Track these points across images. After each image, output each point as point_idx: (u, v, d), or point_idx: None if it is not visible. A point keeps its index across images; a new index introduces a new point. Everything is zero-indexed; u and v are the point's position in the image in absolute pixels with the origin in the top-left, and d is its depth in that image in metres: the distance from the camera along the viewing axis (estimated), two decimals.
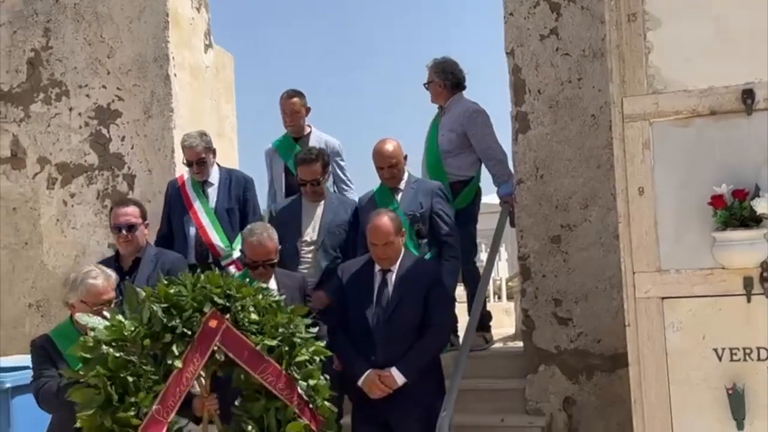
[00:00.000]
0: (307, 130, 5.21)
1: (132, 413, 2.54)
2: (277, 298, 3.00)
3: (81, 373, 2.65)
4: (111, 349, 2.59)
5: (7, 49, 5.83)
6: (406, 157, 4.41)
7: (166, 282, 2.86)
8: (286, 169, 5.25)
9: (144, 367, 2.61)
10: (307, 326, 3.05)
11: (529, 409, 4.72)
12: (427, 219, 4.27)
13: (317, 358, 2.98)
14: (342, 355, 3.64)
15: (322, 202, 4.41)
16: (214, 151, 4.73)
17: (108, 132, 5.57)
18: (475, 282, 4.95)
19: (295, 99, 5.21)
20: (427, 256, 4.22)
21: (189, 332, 2.68)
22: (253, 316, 2.81)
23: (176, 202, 4.73)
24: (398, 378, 3.44)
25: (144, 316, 2.68)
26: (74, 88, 5.64)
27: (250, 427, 2.79)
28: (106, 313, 2.98)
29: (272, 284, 3.73)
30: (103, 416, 2.53)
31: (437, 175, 5.04)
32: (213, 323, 2.69)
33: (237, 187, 4.79)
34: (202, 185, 4.73)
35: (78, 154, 5.64)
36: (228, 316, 2.78)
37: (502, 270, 13.77)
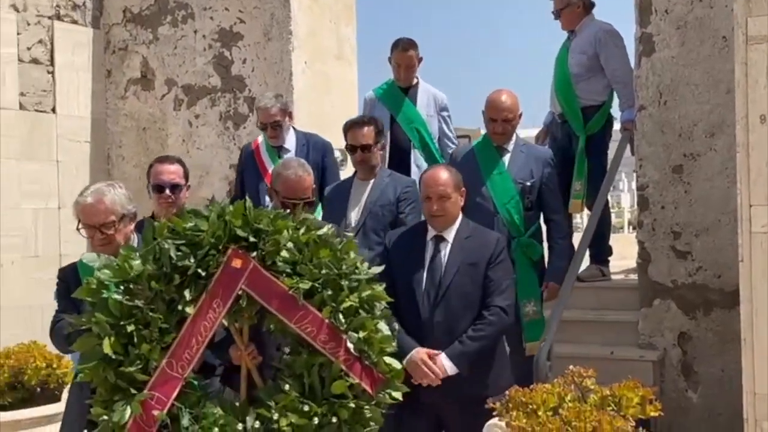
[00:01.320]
0: (415, 81, 4.95)
1: (137, 367, 2.18)
2: (323, 232, 2.41)
3: (83, 320, 2.32)
4: (113, 293, 2.22)
5: None
6: (521, 115, 4.01)
7: (189, 214, 2.43)
8: (392, 121, 4.98)
9: (151, 314, 2.22)
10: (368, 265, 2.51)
11: (641, 343, 4.69)
12: (536, 190, 3.89)
13: (375, 304, 2.40)
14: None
15: (372, 180, 3.92)
16: (290, 114, 4.50)
17: (230, 54, 5.81)
18: (604, 218, 4.89)
19: (411, 52, 4.94)
20: (532, 230, 3.89)
21: (203, 274, 2.25)
22: (285, 254, 2.29)
23: (250, 168, 4.53)
24: (448, 366, 2.92)
25: (154, 253, 2.30)
26: (199, 11, 5.88)
27: (287, 386, 2.28)
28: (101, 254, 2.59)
29: None
30: (107, 370, 2.19)
31: (568, 101, 4.94)
32: (237, 263, 2.23)
33: (315, 152, 4.49)
34: (278, 150, 4.49)
35: (202, 76, 5.91)
36: (255, 254, 2.29)
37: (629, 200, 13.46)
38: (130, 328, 2.16)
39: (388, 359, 2.32)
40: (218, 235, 2.25)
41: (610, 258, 5.45)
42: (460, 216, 3.16)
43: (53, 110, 5.93)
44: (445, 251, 3.07)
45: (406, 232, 3.30)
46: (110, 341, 2.15)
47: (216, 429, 2.19)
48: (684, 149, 4.48)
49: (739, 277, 3.00)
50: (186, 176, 3.65)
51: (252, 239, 2.26)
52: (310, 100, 5.88)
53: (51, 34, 5.93)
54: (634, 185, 13.41)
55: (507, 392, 2.67)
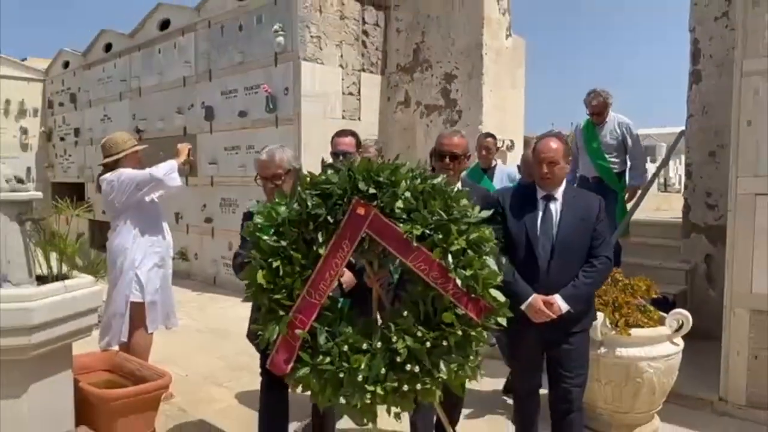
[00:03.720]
0: (493, 163, 4.57)
1: (283, 294, 2.02)
2: (437, 182, 2.09)
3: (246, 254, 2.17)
4: (263, 234, 2.05)
5: (403, 41, 7.27)
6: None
7: (327, 168, 2.21)
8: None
9: (293, 252, 2.02)
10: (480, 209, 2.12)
11: (681, 259, 5.27)
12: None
13: (484, 246, 2.05)
14: (504, 275, 2.35)
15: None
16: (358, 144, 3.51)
17: (450, 86, 6.80)
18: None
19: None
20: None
21: (332, 220, 2.01)
22: (400, 204, 1.99)
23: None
24: (563, 306, 2.59)
25: (296, 202, 2.08)
26: (434, 63, 6.94)
27: (405, 312, 2.04)
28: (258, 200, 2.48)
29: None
30: (261, 295, 2.06)
31: (604, 167, 5.01)
32: (361, 210, 1.98)
33: None
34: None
35: (435, 99, 6.92)
36: (375, 203, 2.01)
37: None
38: (276, 263, 2.00)
39: (493, 291, 2.01)
40: (345, 187, 2.02)
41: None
42: (565, 179, 2.76)
43: (359, 119, 7.10)
44: (556, 208, 2.68)
45: (518, 191, 2.87)
46: (263, 273, 2.01)
47: (346, 346, 2.00)
48: (716, 141, 4.94)
49: (727, 216, 3.63)
50: (358, 145, 3.42)
51: (372, 191, 2.00)
52: (492, 114, 6.49)
53: (359, 79, 7.16)
54: (676, 167, 12.62)
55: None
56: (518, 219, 2.70)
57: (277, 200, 2.13)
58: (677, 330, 3.42)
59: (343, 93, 7.05)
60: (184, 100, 8.37)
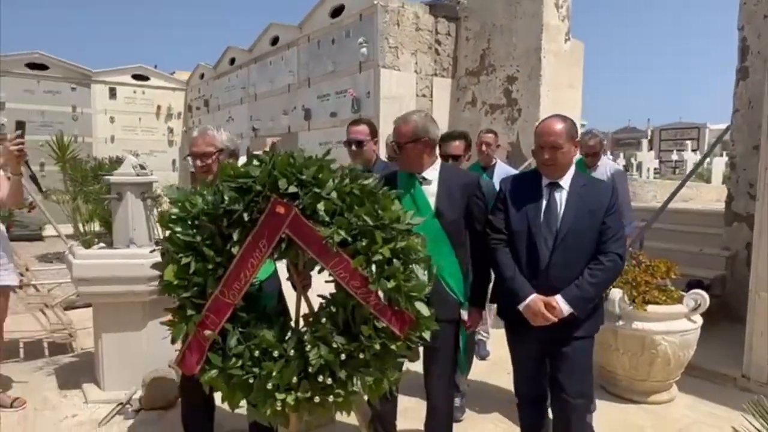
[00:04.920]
0: (493, 161, 3.89)
1: (195, 292, 1.64)
2: (366, 183, 1.68)
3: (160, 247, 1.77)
4: (176, 226, 1.66)
5: (471, 48, 7.17)
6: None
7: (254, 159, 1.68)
8: None
9: (205, 249, 1.62)
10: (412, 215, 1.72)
11: (722, 246, 4.97)
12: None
13: (413, 255, 1.65)
14: (503, 271, 2.15)
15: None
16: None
17: (511, 87, 6.61)
18: None
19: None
20: None
21: (247, 218, 1.61)
22: (321, 206, 1.59)
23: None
24: (564, 309, 2.05)
25: (213, 194, 1.66)
26: (498, 67, 6.85)
27: (324, 319, 1.67)
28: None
29: (432, 174, 2.24)
30: (171, 293, 1.68)
31: None
32: (280, 209, 1.60)
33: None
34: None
35: (497, 98, 6.85)
36: (297, 202, 1.60)
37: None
38: (186, 260, 1.62)
39: (418, 304, 1.63)
40: (264, 183, 1.61)
41: None
42: (574, 165, 2.18)
43: None
44: (561, 197, 2.11)
45: (521, 178, 2.31)
46: (173, 269, 1.64)
47: (257, 351, 1.63)
48: (760, 135, 4.33)
49: (756, 203, 3.50)
50: (372, 134, 2.99)
51: (294, 189, 1.59)
52: (549, 112, 5.85)
53: (431, 82, 7.20)
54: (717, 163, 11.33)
55: None
56: (519, 209, 2.16)
57: (199, 188, 1.72)
58: (695, 309, 3.30)
59: (417, 95, 7.12)
60: (288, 103, 8.85)
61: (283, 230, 1.61)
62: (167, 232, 1.69)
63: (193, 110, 12.75)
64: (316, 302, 1.81)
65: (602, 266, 2.06)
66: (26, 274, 4.61)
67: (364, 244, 1.59)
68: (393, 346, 1.64)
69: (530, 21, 6.42)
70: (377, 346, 1.61)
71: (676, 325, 3.26)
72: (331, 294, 1.73)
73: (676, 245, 5.04)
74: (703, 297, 3.27)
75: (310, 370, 1.60)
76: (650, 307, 3.24)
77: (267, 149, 4.14)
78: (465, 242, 2.23)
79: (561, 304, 2.05)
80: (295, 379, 1.61)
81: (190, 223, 1.65)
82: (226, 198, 1.62)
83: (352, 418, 2.05)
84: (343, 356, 1.61)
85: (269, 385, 1.60)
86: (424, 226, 1.81)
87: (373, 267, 1.59)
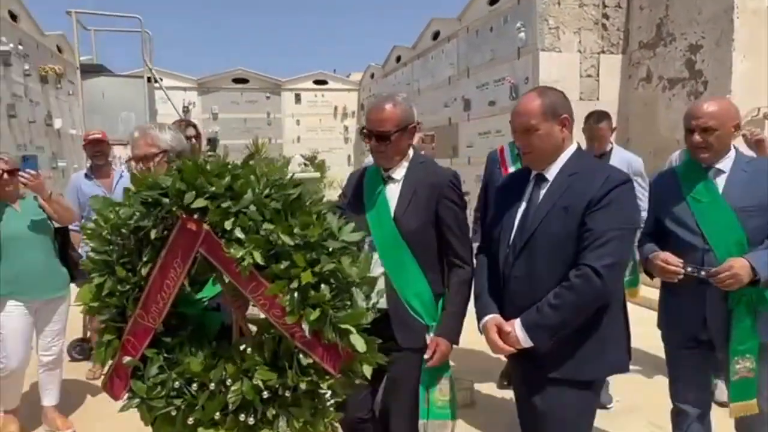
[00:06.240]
0: (609, 147, 3.46)
1: (113, 314, 1.43)
2: (293, 192, 1.34)
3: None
4: (90, 241, 1.42)
5: (645, 18, 6.44)
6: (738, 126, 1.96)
7: (175, 168, 1.38)
8: None
9: (118, 268, 1.40)
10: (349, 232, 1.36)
11: None
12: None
13: (347, 280, 1.32)
14: (474, 287, 1.81)
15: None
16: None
17: (694, 57, 5.80)
18: None
19: (603, 123, 3.41)
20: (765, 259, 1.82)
21: (153, 236, 1.36)
22: (228, 224, 1.30)
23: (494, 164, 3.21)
24: (521, 338, 1.58)
25: (126, 206, 1.40)
26: (678, 35, 6.03)
27: (249, 350, 1.40)
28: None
29: (400, 173, 1.90)
30: (91, 312, 1.47)
31: None
32: (192, 226, 1.33)
33: None
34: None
35: (679, 72, 6.04)
36: (207, 219, 1.32)
37: None
38: (99, 280, 1.42)
39: (353, 338, 1.30)
40: (175, 196, 1.34)
41: None
42: (570, 149, 1.67)
43: (597, 98, 6.56)
44: (542, 193, 1.66)
45: (513, 174, 1.93)
46: (89, 290, 1.44)
47: (178, 382, 1.41)
48: None
49: None
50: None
51: (201, 203, 1.31)
52: (743, 82, 5.35)
53: (597, 61, 6.69)
54: None
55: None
56: (497, 208, 1.77)
57: (104, 204, 1.45)
58: None
59: (581, 76, 6.68)
60: (448, 95, 8.94)
61: (196, 249, 1.35)
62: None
63: (365, 109, 13.55)
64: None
65: (568, 285, 1.53)
66: None
67: (282, 267, 1.28)
68: (324, 385, 1.35)
69: None
70: (303, 385, 1.33)
71: None
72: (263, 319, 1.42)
73: None
74: None
75: (230, 406, 1.35)
76: None
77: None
78: (435, 254, 1.84)
79: (517, 330, 1.59)
80: (218, 415, 1.36)
81: (107, 238, 1.41)
82: (135, 213, 1.37)
83: None
84: (265, 393, 1.34)
85: (190, 420, 1.38)
86: (383, 237, 1.61)
87: (295, 294, 1.27)
